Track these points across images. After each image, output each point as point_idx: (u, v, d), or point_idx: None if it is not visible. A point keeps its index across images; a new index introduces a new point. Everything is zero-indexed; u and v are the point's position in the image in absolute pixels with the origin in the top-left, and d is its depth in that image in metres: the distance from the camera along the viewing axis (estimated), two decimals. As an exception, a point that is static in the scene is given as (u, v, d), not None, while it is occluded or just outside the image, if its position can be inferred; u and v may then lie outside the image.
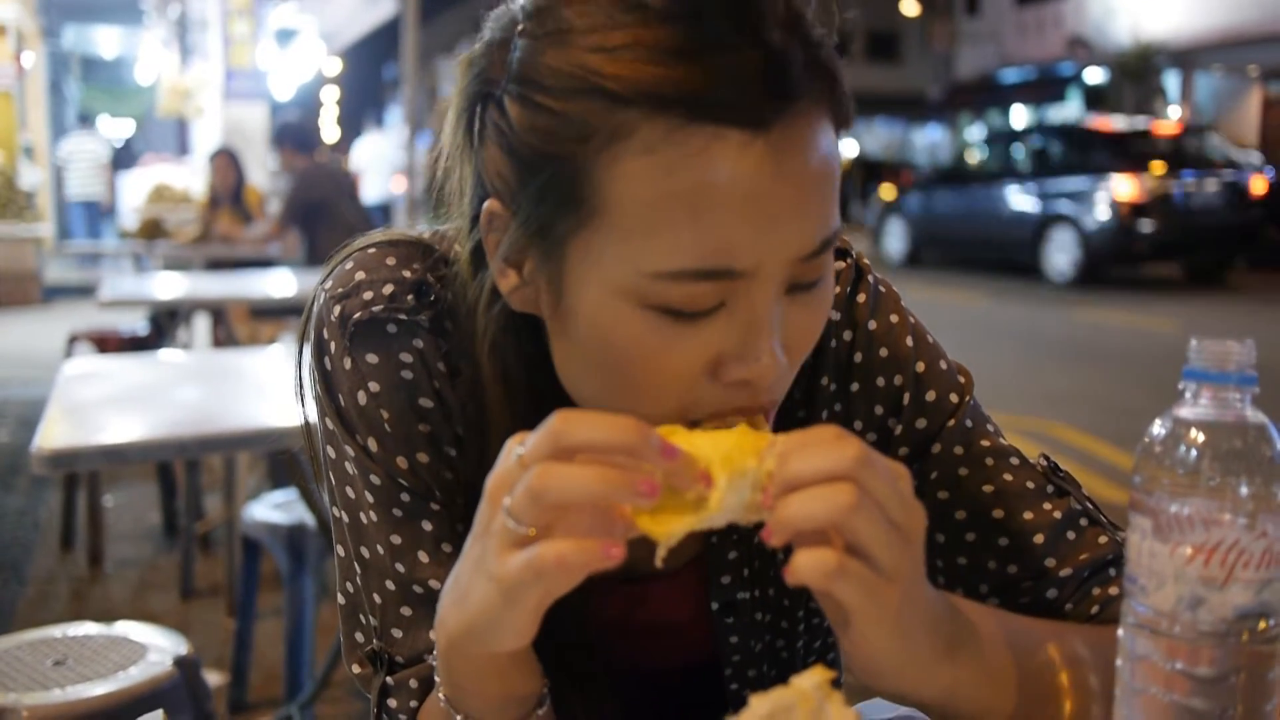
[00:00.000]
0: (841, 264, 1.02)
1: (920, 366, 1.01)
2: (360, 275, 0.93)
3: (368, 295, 0.92)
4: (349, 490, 0.93)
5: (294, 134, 6.84)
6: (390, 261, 0.94)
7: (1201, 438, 0.67)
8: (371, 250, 0.95)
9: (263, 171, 11.97)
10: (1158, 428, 0.69)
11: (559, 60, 0.75)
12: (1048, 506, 0.98)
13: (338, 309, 0.92)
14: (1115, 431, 6.28)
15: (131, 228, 8.00)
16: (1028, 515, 0.98)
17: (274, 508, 2.95)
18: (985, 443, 1.01)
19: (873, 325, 1.01)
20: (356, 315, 0.91)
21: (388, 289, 0.92)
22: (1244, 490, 0.66)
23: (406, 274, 0.93)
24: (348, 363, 0.91)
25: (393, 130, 20.17)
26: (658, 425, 0.74)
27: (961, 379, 1.03)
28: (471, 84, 0.83)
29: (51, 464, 2.11)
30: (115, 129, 25.18)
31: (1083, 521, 0.98)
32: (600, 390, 0.83)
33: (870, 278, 1.03)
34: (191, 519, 4.27)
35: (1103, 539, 0.98)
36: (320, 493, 0.99)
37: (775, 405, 0.83)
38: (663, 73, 0.72)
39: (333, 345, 0.92)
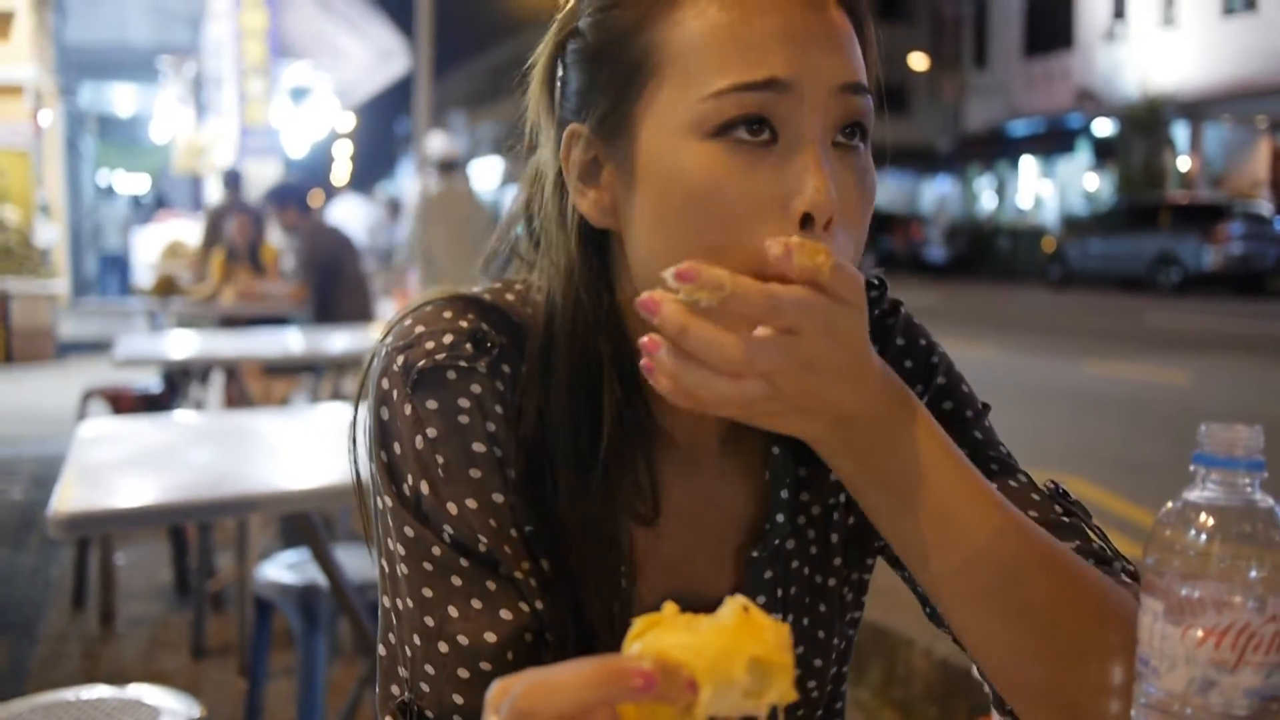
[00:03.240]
0: (874, 293, 1.09)
1: (941, 380, 1.07)
2: (420, 329, 0.97)
3: (429, 345, 0.96)
4: (389, 541, 0.95)
5: (297, 195, 6.94)
6: (447, 314, 0.98)
7: (1211, 521, 0.68)
8: (428, 307, 0.99)
9: (277, 229, 12.06)
10: (1169, 510, 0.70)
11: None
12: (1052, 522, 0.99)
13: (401, 359, 0.96)
14: (1129, 485, 6.26)
15: (145, 285, 8.03)
16: (1032, 513, 0.98)
17: (286, 568, 2.95)
18: (993, 453, 1.04)
19: (900, 342, 1.08)
20: (420, 364, 0.95)
21: (448, 339, 0.96)
22: (1254, 573, 0.66)
23: (464, 324, 0.97)
24: (408, 409, 0.94)
25: (365, 197, 20.87)
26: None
27: (980, 405, 1.08)
28: (553, 41, 0.96)
29: (68, 528, 2.11)
30: (131, 185, 25.42)
31: (1089, 562, 0.96)
32: (682, 253, 0.86)
33: (902, 309, 1.10)
34: (203, 578, 4.27)
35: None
36: (371, 546, 1.01)
37: None
38: None
39: (395, 393, 0.95)
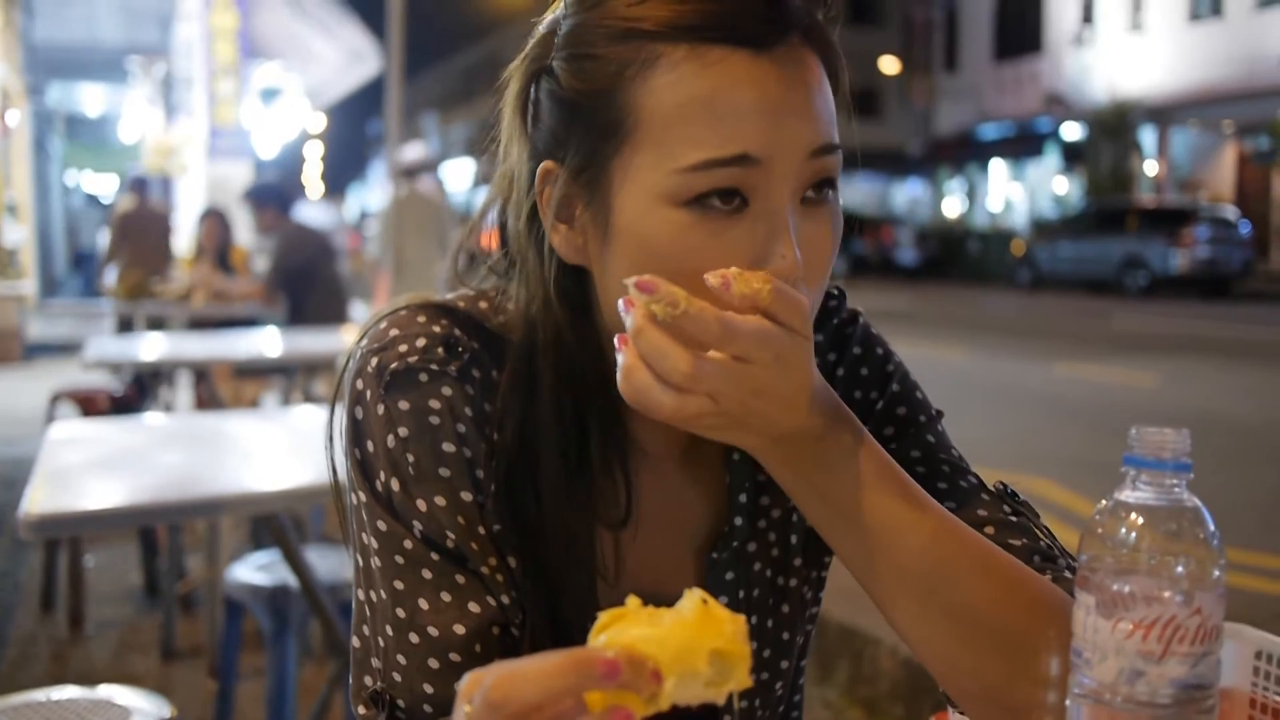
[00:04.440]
0: (833, 302, 1.14)
1: (896, 388, 1.11)
2: (394, 331, 1.01)
3: (403, 348, 0.99)
4: (363, 536, 0.99)
5: (277, 195, 6.85)
6: (421, 319, 1.02)
7: (1141, 520, 0.71)
8: (403, 312, 1.03)
9: (246, 230, 12.00)
10: (1101, 509, 0.73)
11: (600, 19, 0.91)
12: (1001, 521, 1.02)
13: (375, 360, 0.99)
14: (1095, 487, 6.32)
15: (115, 286, 7.99)
16: (981, 512, 1.02)
17: (257, 569, 2.97)
18: (944, 455, 1.07)
19: (857, 350, 1.12)
20: (393, 365, 0.98)
21: (420, 342, 1.00)
22: (1180, 569, 0.70)
23: (436, 329, 1.01)
24: (381, 409, 0.98)
25: (332, 204, 20.89)
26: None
27: (934, 411, 1.12)
28: (526, 70, 0.98)
29: (38, 530, 2.13)
30: (99, 186, 25.28)
31: (1035, 559, 1.00)
32: None
33: (860, 319, 1.15)
34: (173, 579, 4.27)
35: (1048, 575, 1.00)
36: (347, 543, 1.04)
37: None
38: (684, 9, 0.88)
39: (368, 393, 0.99)
